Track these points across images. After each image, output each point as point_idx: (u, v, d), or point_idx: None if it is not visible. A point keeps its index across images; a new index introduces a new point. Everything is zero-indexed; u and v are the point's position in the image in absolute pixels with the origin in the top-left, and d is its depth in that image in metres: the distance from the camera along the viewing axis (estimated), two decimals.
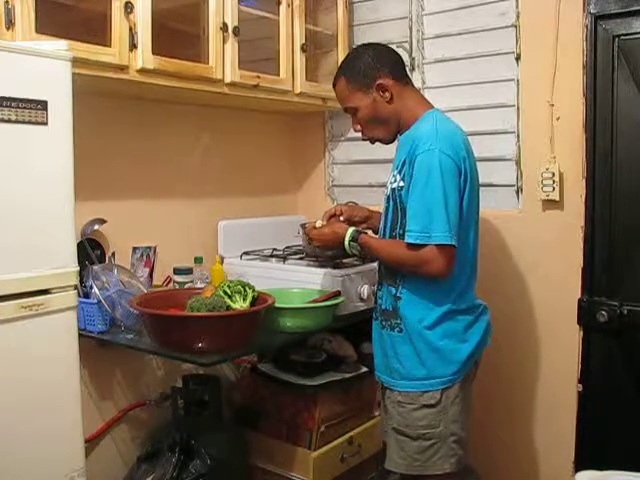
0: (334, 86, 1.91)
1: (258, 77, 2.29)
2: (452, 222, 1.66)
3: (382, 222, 1.87)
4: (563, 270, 2.24)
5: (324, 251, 2.10)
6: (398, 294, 1.78)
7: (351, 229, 1.86)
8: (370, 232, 1.94)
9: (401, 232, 1.75)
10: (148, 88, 2.02)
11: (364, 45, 2.02)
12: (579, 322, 2.19)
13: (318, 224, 1.97)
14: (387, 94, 1.80)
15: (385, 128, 1.86)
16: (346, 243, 1.86)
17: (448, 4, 2.49)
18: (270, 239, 2.60)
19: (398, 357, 1.79)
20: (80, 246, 1.94)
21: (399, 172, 1.77)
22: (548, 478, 2.35)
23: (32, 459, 1.50)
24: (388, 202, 1.82)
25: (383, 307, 1.85)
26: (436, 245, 1.65)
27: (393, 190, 1.79)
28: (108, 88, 2.04)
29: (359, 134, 1.93)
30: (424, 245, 1.66)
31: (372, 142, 1.92)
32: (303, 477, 2.15)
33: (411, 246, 1.69)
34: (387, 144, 1.91)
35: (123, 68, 1.87)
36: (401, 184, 1.75)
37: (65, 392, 1.58)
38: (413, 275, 1.75)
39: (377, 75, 1.80)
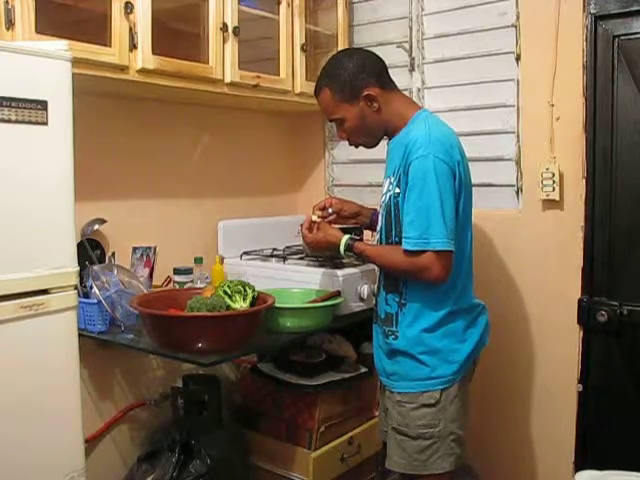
0: (316, 96, 1.85)
1: (258, 77, 2.29)
2: (449, 227, 1.65)
3: (378, 228, 1.86)
4: (563, 270, 2.24)
5: (321, 250, 2.10)
6: (402, 300, 1.78)
7: (345, 238, 1.85)
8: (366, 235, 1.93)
9: (397, 240, 1.74)
10: (148, 88, 2.02)
11: (345, 52, 1.99)
12: (579, 322, 2.19)
13: (314, 218, 1.96)
14: (375, 104, 1.77)
15: (373, 135, 1.85)
16: (342, 252, 1.85)
17: (448, 4, 2.49)
18: (270, 239, 2.60)
19: (397, 361, 1.80)
20: (80, 246, 1.94)
21: (394, 179, 1.76)
22: (548, 478, 2.35)
23: (32, 459, 1.50)
24: (384, 209, 1.80)
25: (379, 313, 1.86)
26: (434, 251, 1.65)
27: (389, 197, 1.78)
28: (108, 88, 2.04)
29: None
30: (422, 251, 1.66)
31: (356, 147, 1.90)
32: (303, 477, 2.15)
33: (408, 253, 1.68)
34: (371, 148, 1.90)
35: (123, 68, 1.87)
36: (397, 190, 1.74)
37: (65, 392, 1.58)
38: (414, 281, 1.75)
39: (364, 85, 1.76)
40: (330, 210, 2.00)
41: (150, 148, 2.34)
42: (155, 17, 1.92)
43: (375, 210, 2.02)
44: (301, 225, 2.00)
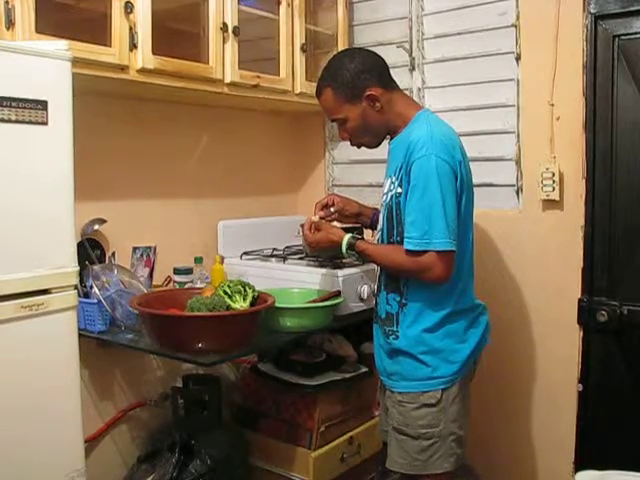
0: (318, 96, 1.85)
1: (258, 77, 2.29)
2: (451, 227, 1.65)
3: (379, 228, 1.86)
4: (563, 270, 2.24)
5: (322, 251, 2.10)
6: (403, 300, 1.78)
7: (347, 237, 1.85)
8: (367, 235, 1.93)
9: (399, 239, 1.74)
10: (148, 88, 2.02)
11: (347, 52, 1.98)
12: (579, 322, 2.19)
13: (315, 219, 1.96)
14: (377, 104, 1.77)
15: (375, 135, 1.84)
16: (343, 251, 1.85)
17: (448, 4, 2.49)
18: (270, 239, 2.60)
19: (398, 361, 1.80)
20: (80, 246, 1.94)
21: (396, 178, 1.76)
22: (548, 478, 2.35)
23: (32, 459, 1.50)
24: (386, 209, 1.80)
25: (380, 313, 1.85)
26: (436, 251, 1.65)
27: (391, 197, 1.77)
28: (108, 88, 2.04)
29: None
30: (424, 251, 1.66)
31: (358, 147, 1.90)
32: (303, 477, 2.15)
33: (410, 252, 1.68)
34: (373, 148, 1.90)
35: (123, 68, 1.87)
36: (399, 190, 1.74)
37: (65, 392, 1.58)
38: (415, 280, 1.75)
39: (366, 85, 1.76)
40: (332, 209, 2.00)
41: (150, 148, 2.34)
42: (155, 17, 1.92)
43: (376, 210, 2.02)
44: (301, 225, 2.00)
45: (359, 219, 2.06)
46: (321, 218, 1.97)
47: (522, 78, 2.32)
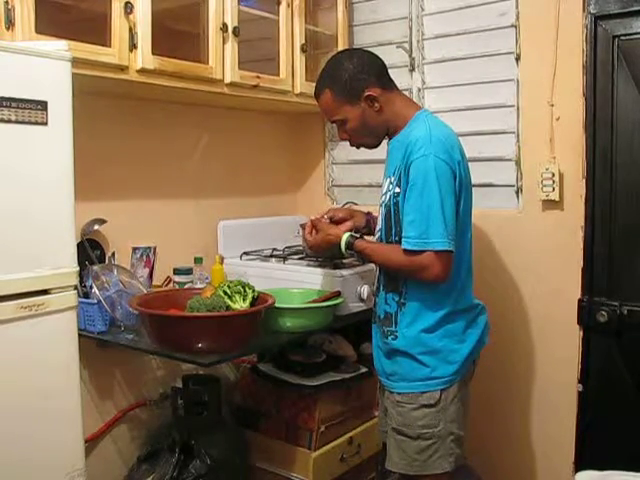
0: (317, 98, 1.85)
1: (258, 77, 2.30)
2: (449, 227, 1.65)
3: (378, 228, 1.86)
4: (563, 270, 2.24)
5: (323, 251, 2.10)
6: (402, 300, 1.78)
7: (345, 235, 1.85)
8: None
9: (397, 239, 1.74)
10: (148, 88, 2.02)
11: (345, 53, 1.98)
12: (579, 322, 2.19)
13: (312, 218, 1.96)
14: (377, 104, 1.77)
15: (374, 136, 1.84)
16: (342, 250, 1.85)
17: (448, 4, 2.49)
18: (270, 239, 2.60)
19: (396, 361, 1.80)
20: (80, 246, 1.94)
21: (394, 178, 1.76)
22: (548, 478, 2.35)
23: (32, 459, 1.50)
24: (384, 208, 1.80)
25: (379, 313, 1.86)
26: (434, 251, 1.65)
27: (390, 197, 1.78)
28: (108, 88, 2.04)
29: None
30: (422, 251, 1.66)
31: (358, 147, 1.90)
32: (303, 477, 2.15)
33: (408, 252, 1.68)
34: (373, 149, 1.90)
35: (123, 68, 1.87)
36: (397, 190, 1.74)
37: (65, 392, 1.58)
38: (414, 281, 1.75)
39: (364, 86, 1.76)
40: (325, 217, 2.00)
41: (150, 148, 2.34)
42: (155, 17, 1.92)
43: (369, 213, 2.02)
44: (301, 225, 2.00)
45: (354, 221, 2.05)
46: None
47: (522, 78, 2.32)
